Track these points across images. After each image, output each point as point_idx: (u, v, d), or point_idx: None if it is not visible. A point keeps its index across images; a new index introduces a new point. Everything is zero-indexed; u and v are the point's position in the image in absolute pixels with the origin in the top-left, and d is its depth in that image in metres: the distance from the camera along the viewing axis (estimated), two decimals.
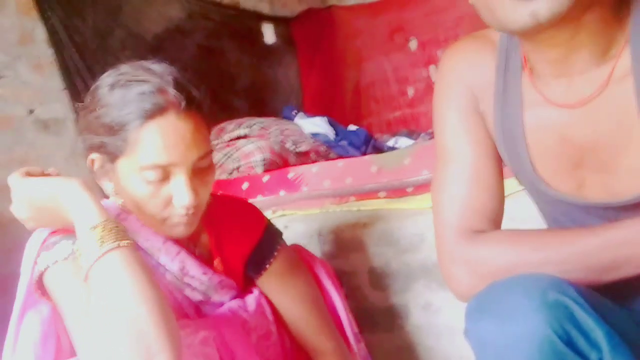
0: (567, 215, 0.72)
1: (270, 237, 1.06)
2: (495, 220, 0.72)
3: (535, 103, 0.68)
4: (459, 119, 0.74)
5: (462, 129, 0.74)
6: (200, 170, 0.84)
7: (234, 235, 1.01)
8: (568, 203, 0.69)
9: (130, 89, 0.79)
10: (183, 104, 0.80)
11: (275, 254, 1.04)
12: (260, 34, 3.04)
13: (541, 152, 0.69)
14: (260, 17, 3.08)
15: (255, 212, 1.08)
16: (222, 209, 1.00)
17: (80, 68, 1.97)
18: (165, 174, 0.81)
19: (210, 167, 0.88)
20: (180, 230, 0.87)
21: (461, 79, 0.74)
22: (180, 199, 0.82)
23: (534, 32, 0.58)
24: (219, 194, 1.07)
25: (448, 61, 0.77)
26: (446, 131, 0.75)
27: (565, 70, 0.63)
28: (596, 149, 0.64)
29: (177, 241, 0.92)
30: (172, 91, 0.79)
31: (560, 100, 0.64)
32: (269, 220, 1.08)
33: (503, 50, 0.72)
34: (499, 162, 0.75)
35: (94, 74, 1.96)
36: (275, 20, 3.20)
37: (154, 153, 0.79)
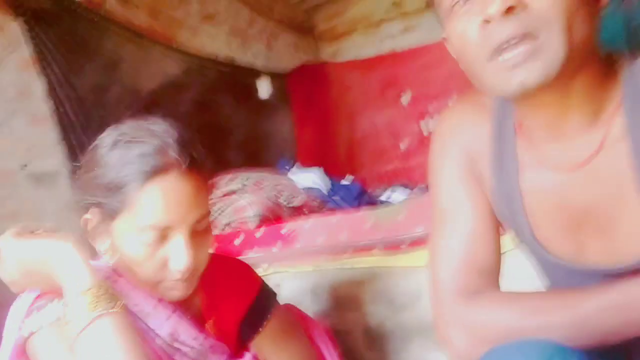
0: (566, 278, 0.71)
1: (264, 298, 1.03)
2: (493, 280, 0.71)
3: (531, 166, 0.68)
4: (456, 179, 0.74)
5: (459, 190, 0.74)
6: (199, 232, 0.83)
7: (228, 296, 0.98)
8: (567, 267, 0.69)
9: (130, 150, 0.78)
10: (184, 164, 0.79)
11: (270, 315, 1.01)
12: (255, 89, 3.10)
13: (539, 216, 0.69)
14: (255, 73, 3.15)
15: (250, 272, 1.06)
16: (216, 268, 0.98)
17: (76, 122, 1.98)
18: (162, 236, 0.79)
19: (209, 229, 0.87)
20: (176, 294, 0.84)
21: (458, 142, 0.75)
22: (178, 262, 0.80)
23: (524, 97, 0.59)
24: (212, 251, 1.05)
25: (445, 124, 0.78)
26: (443, 191, 0.75)
27: (559, 134, 0.63)
28: (593, 213, 0.64)
29: (169, 303, 0.89)
30: (172, 152, 0.78)
31: (556, 163, 0.65)
32: (263, 280, 1.06)
33: (496, 114, 0.72)
34: (495, 221, 0.74)
35: (90, 129, 2.00)
36: (270, 75, 3.27)
37: (152, 214, 0.77)
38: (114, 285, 0.81)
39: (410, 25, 3.76)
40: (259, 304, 1.01)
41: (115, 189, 0.78)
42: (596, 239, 0.65)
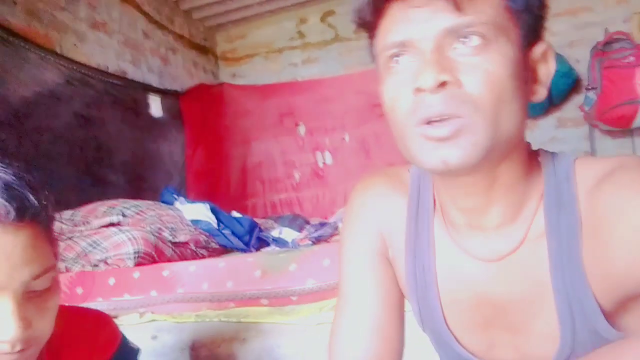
0: None
1: (123, 355, 0.90)
2: None
3: (449, 252, 0.65)
4: (362, 263, 0.71)
5: (365, 275, 0.70)
6: (37, 293, 0.68)
7: (78, 356, 0.85)
8: None
9: None
10: (12, 215, 0.65)
11: None
12: (146, 106, 2.90)
13: (454, 305, 0.66)
14: (148, 89, 2.95)
15: (108, 327, 0.92)
16: (64, 324, 0.84)
17: None
18: None
19: (52, 289, 0.71)
20: None
21: (371, 220, 0.71)
22: (4, 332, 0.65)
23: (447, 175, 0.57)
24: (63, 305, 0.90)
25: (358, 199, 0.74)
26: (349, 273, 0.72)
27: (480, 224, 0.61)
28: (508, 308, 0.62)
29: None
30: None
31: (475, 252, 0.62)
32: (124, 337, 0.93)
33: (415, 192, 0.70)
34: (401, 309, 0.72)
35: None
36: (164, 93, 3.09)
37: None
38: None
39: (313, 56, 3.80)
40: None
41: None
42: (507, 335, 0.63)
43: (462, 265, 0.64)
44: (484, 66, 0.52)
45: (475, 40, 0.52)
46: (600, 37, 2.95)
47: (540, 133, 3.13)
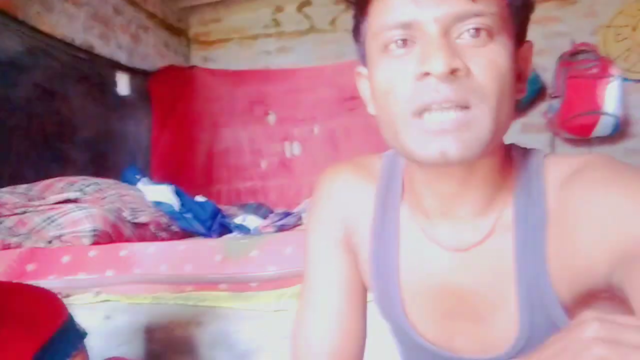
0: None
1: (66, 336, 0.86)
2: None
3: (415, 240, 0.65)
4: (328, 251, 0.70)
5: (330, 264, 0.70)
6: None
7: (17, 332, 0.81)
8: (433, 352, 0.66)
9: None
10: None
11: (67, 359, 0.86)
12: (113, 84, 2.82)
13: (414, 293, 0.66)
14: (116, 66, 2.87)
15: (51, 305, 0.88)
16: (4, 298, 0.81)
17: None
18: None
19: None
20: None
21: (336, 209, 0.71)
22: None
23: (441, 167, 0.56)
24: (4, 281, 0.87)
25: (324, 187, 0.73)
26: (314, 261, 0.72)
27: (452, 212, 0.61)
28: (471, 299, 0.63)
29: None
30: None
31: (443, 241, 0.62)
32: (70, 318, 0.89)
33: (384, 180, 0.69)
34: (363, 299, 0.72)
35: None
36: (133, 71, 3.01)
37: None
38: None
39: (287, 45, 3.77)
40: (53, 346, 0.83)
41: None
42: (468, 325, 0.64)
43: (427, 254, 0.64)
44: (490, 56, 0.52)
45: (482, 30, 0.51)
46: (567, 48, 3.04)
47: (505, 136, 3.20)
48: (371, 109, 0.62)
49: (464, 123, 0.51)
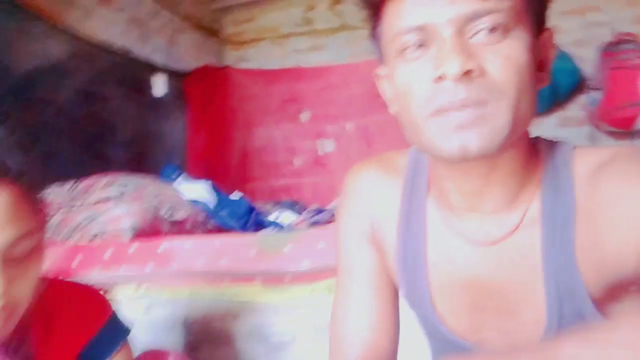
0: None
1: (112, 331, 0.90)
2: (386, 356, 0.70)
3: (442, 235, 0.65)
4: (358, 249, 0.72)
5: (360, 261, 0.72)
6: (17, 259, 0.68)
7: (66, 330, 0.85)
8: (460, 345, 0.66)
9: None
10: None
11: (113, 354, 0.89)
12: (149, 86, 2.90)
13: (443, 288, 0.66)
14: (153, 68, 2.95)
15: (98, 302, 0.92)
16: (55, 297, 0.85)
17: None
18: None
19: (34, 253, 0.71)
20: None
21: (362, 205, 0.72)
22: None
23: (458, 162, 0.56)
24: (58, 278, 0.91)
25: (350, 183, 0.75)
26: (345, 258, 0.74)
27: (478, 207, 0.62)
28: (499, 293, 0.63)
29: None
30: None
31: (468, 236, 0.63)
32: (115, 314, 0.93)
33: (410, 175, 0.70)
34: (394, 293, 0.73)
35: None
36: (169, 73, 3.09)
37: None
38: None
39: (319, 43, 3.78)
40: (104, 337, 0.88)
41: None
42: (496, 319, 0.64)
43: (455, 248, 0.64)
44: (505, 52, 0.52)
45: (496, 27, 0.51)
46: (607, 37, 2.94)
47: (542, 131, 3.11)
48: (392, 109, 0.63)
49: (482, 118, 0.52)
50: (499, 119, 0.52)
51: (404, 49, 0.55)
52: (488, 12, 0.51)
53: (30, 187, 0.71)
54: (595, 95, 2.91)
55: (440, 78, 0.52)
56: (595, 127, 3.08)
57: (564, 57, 2.97)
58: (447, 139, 0.53)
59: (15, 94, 2.01)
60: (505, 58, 0.52)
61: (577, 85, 3.10)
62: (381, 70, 0.64)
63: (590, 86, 3.01)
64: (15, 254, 0.67)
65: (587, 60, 3.02)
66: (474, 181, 0.60)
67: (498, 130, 0.52)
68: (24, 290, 0.70)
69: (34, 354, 0.81)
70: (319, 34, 3.79)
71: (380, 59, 0.62)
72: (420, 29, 0.53)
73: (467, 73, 0.51)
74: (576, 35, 3.09)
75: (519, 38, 0.53)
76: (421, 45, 0.54)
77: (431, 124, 0.54)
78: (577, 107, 3.14)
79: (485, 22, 0.51)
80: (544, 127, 3.17)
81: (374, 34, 0.61)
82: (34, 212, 0.71)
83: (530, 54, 0.54)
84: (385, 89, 0.65)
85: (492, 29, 0.52)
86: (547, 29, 0.58)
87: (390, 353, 0.71)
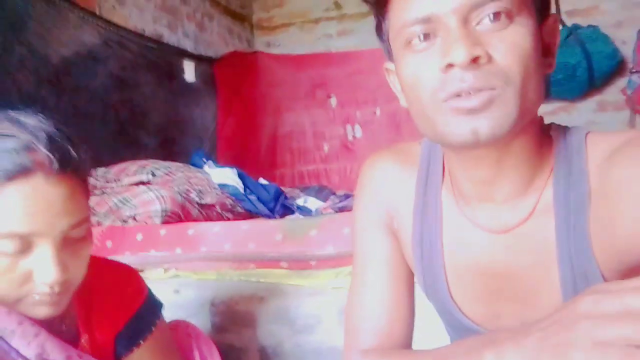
0: None
1: (149, 309, 0.95)
2: (402, 340, 0.71)
3: (457, 224, 0.66)
4: (373, 237, 0.73)
5: (376, 249, 0.72)
6: (73, 241, 0.73)
7: (107, 306, 0.89)
8: (478, 332, 0.66)
9: None
10: (55, 165, 0.69)
11: (153, 328, 0.93)
12: (180, 71, 2.94)
13: (459, 275, 0.67)
14: (183, 54, 2.99)
15: (135, 281, 0.97)
16: (96, 275, 0.89)
17: None
18: (25, 245, 0.69)
19: (86, 238, 0.77)
20: (43, 311, 0.74)
21: (378, 194, 0.73)
22: (44, 275, 0.70)
23: (474, 148, 0.57)
24: (95, 256, 0.95)
25: (366, 173, 0.75)
26: (361, 246, 0.74)
27: (491, 195, 0.62)
28: (514, 280, 0.63)
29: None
30: (42, 150, 0.68)
31: (483, 223, 0.63)
32: (149, 290, 0.98)
33: (425, 164, 0.71)
34: (410, 281, 0.73)
35: None
36: (198, 58, 3.12)
37: (12, 220, 0.67)
38: None
39: (348, 28, 3.76)
40: (142, 316, 0.92)
41: None
42: (512, 306, 0.64)
43: (469, 236, 0.64)
44: (511, 39, 0.52)
45: (500, 14, 0.52)
46: None
47: (578, 116, 3.04)
48: (403, 102, 0.64)
49: (491, 102, 0.52)
50: (507, 103, 0.52)
51: (411, 41, 0.55)
52: (492, 0, 0.52)
53: (85, 177, 0.75)
54: (635, 78, 2.81)
55: (448, 66, 0.53)
56: (635, 112, 2.97)
57: (603, 39, 2.87)
58: (457, 125, 0.53)
59: (51, 81, 2.07)
60: (510, 44, 0.52)
61: (616, 68, 2.99)
62: (389, 65, 0.65)
63: (630, 69, 2.90)
64: (74, 236, 0.72)
65: (626, 42, 2.91)
66: (486, 170, 0.60)
67: (507, 114, 0.53)
68: (79, 270, 0.76)
69: (78, 331, 0.85)
70: (348, 18, 3.76)
71: (389, 55, 0.63)
72: (426, 20, 0.54)
73: (474, 60, 0.51)
74: (616, 16, 2.97)
75: (523, 24, 0.53)
76: (427, 36, 0.55)
77: (441, 111, 0.54)
78: (615, 91, 3.04)
79: (490, 9, 0.52)
80: (581, 111, 3.08)
81: (380, 30, 0.62)
82: (88, 199, 0.76)
83: (535, 40, 0.54)
84: (395, 83, 0.66)
85: (496, 16, 0.52)
86: (551, 14, 0.58)
87: (405, 340, 0.71)
